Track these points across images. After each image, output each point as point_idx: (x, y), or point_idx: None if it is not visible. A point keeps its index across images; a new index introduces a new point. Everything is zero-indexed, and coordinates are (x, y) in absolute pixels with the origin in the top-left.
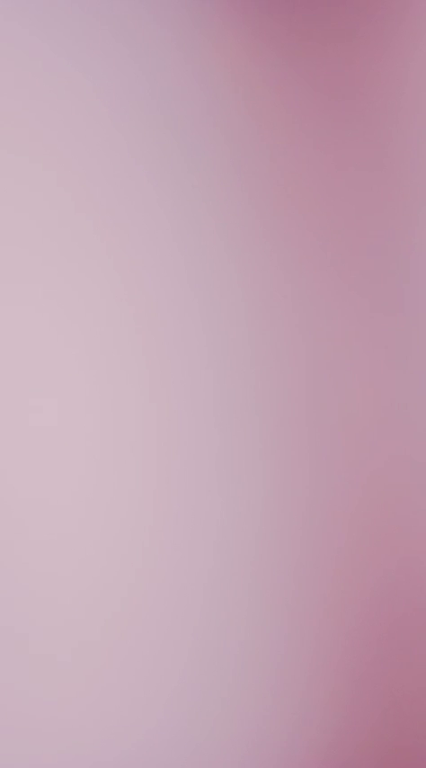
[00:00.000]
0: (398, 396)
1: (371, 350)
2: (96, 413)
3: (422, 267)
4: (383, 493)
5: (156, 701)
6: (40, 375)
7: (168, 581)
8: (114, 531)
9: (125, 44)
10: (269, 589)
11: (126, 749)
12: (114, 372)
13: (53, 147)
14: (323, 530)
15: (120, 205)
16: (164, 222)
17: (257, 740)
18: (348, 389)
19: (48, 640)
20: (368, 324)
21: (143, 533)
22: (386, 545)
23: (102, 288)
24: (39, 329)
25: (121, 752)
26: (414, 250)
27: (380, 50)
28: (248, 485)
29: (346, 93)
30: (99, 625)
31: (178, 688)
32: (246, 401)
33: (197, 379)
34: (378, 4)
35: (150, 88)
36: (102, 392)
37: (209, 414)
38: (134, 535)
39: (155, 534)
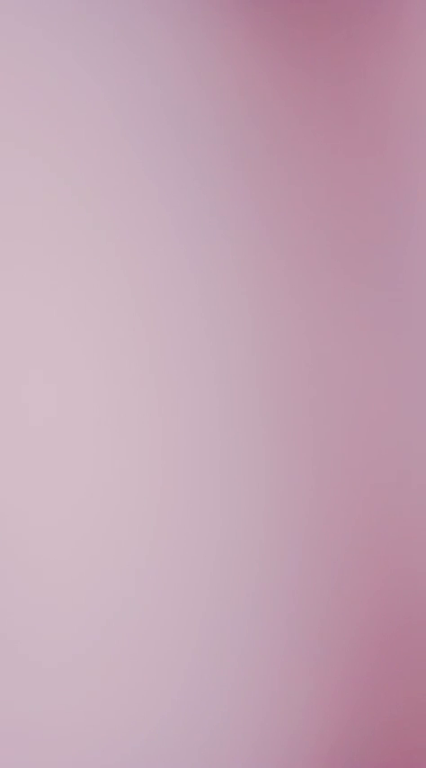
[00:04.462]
0: (402, 393)
1: (375, 347)
2: (97, 405)
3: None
4: (386, 495)
5: (157, 707)
6: (39, 365)
7: (169, 589)
8: (115, 534)
9: (125, 38)
10: (270, 594)
11: (126, 755)
12: (114, 366)
13: (54, 138)
14: (325, 539)
15: (122, 196)
16: (164, 213)
17: (258, 749)
18: (351, 387)
19: (47, 648)
20: (372, 324)
21: (143, 538)
22: (390, 553)
23: (102, 279)
24: (39, 319)
25: (120, 759)
26: (416, 245)
27: (381, 43)
28: (249, 487)
29: (346, 86)
30: (99, 631)
31: (178, 695)
32: (248, 397)
33: (198, 366)
34: None
35: (151, 82)
36: (102, 385)
37: (212, 406)
38: (135, 539)
39: (156, 541)
